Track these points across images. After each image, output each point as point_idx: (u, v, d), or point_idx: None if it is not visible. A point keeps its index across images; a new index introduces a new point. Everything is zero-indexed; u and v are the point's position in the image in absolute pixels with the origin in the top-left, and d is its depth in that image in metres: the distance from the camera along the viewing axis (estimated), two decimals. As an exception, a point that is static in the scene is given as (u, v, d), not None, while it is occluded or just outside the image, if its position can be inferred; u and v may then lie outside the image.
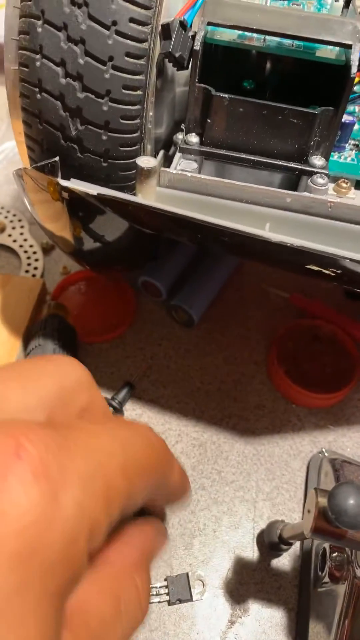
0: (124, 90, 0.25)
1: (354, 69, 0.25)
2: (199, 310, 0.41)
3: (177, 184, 0.26)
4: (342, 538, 0.22)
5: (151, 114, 0.27)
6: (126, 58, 0.24)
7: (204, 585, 0.31)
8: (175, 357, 0.40)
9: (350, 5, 0.29)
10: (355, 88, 0.37)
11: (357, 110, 0.33)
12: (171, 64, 0.26)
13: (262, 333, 0.42)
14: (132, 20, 0.24)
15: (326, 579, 0.29)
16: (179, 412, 0.38)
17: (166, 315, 0.42)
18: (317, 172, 0.26)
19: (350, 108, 0.33)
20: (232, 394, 0.39)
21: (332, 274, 0.26)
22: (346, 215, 0.25)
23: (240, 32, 0.26)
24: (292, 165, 0.27)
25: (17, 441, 0.11)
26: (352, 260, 0.23)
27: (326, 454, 0.36)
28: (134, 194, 0.28)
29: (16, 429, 0.11)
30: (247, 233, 0.24)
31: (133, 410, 0.37)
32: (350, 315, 0.42)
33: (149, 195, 0.26)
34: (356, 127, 0.32)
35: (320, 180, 0.26)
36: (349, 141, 0.30)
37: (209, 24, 0.25)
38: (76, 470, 0.11)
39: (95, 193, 0.25)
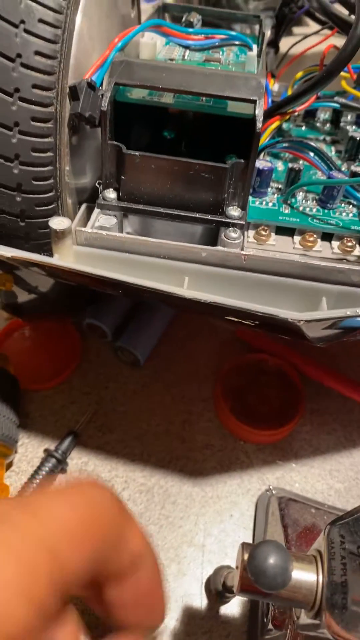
0: (33, 154, 0.25)
1: (259, 124, 0.25)
2: (144, 350, 0.41)
3: (95, 242, 0.26)
4: (268, 596, 0.22)
5: (67, 168, 0.27)
6: (32, 122, 0.24)
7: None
8: (123, 399, 0.40)
9: (262, 57, 0.30)
10: (284, 126, 0.37)
11: (282, 154, 0.34)
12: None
13: (210, 368, 0.42)
14: (35, 86, 0.24)
15: (270, 626, 0.29)
16: (125, 457, 0.37)
17: (113, 356, 0.42)
18: (233, 224, 0.27)
19: (273, 150, 0.33)
20: (180, 434, 0.39)
21: (252, 324, 0.26)
22: (261, 266, 0.26)
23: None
24: (209, 217, 0.27)
25: None
26: (263, 314, 0.23)
27: (273, 492, 0.36)
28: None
29: None
30: (162, 291, 0.24)
31: (79, 459, 0.37)
32: (296, 347, 0.42)
33: (66, 255, 0.26)
34: (281, 168, 0.33)
35: (233, 234, 0.26)
36: (271, 185, 0.31)
37: (116, 83, 0.26)
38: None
39: (9, 255, 0.25)
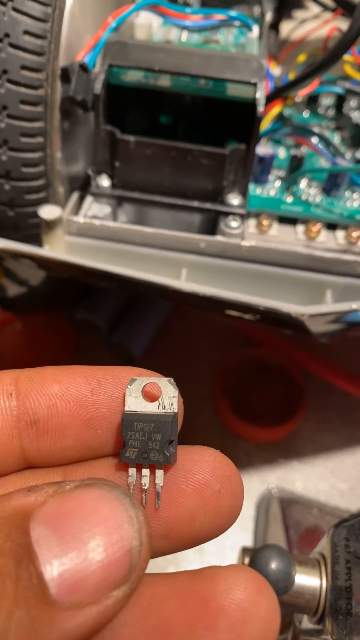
0: (22, 139, 0.24)
1: (260, 107, 0.24)
2: (140, 345, 0.40)
3: (87, 232, 0.25)
4: (270, 603, 0.21)
5: (59, 155, 0.26)
6: (21, 106, 0.23)
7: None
8: (119, 396, 0.39)
9: (263, 39, 0.28)
10: (286, 112, 0.36)
11: (284, 140, 0.32)
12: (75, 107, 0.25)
13: (209, 364, 0.41)
14: (24, 67, 0.23)
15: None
16: (121, 455, 0.36)
17: (107, 352, 0.41)
18: (232, 213, 0.25)
19: (275, 136, 0.32)
20: (179, 434, 0.38)
21: (253, 318, 0.25)
22: (263, 257, 0.24)
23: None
24: (208, 206, 0.26)
25: None
26: (265, 308, 0.22)
27: (274, 492, 0.35)
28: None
29: None
30: (158, 284, 0.23)
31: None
32: (298, 342, 0.41)
33: (57, 245, 0.25)
34: (283, 155, 0.32)
35: (233, 224, 0.25)
36: (273, 172, 0.30)
37: (110, 65, 0.24)
38: None
39: (-3, 247, 0.24)
